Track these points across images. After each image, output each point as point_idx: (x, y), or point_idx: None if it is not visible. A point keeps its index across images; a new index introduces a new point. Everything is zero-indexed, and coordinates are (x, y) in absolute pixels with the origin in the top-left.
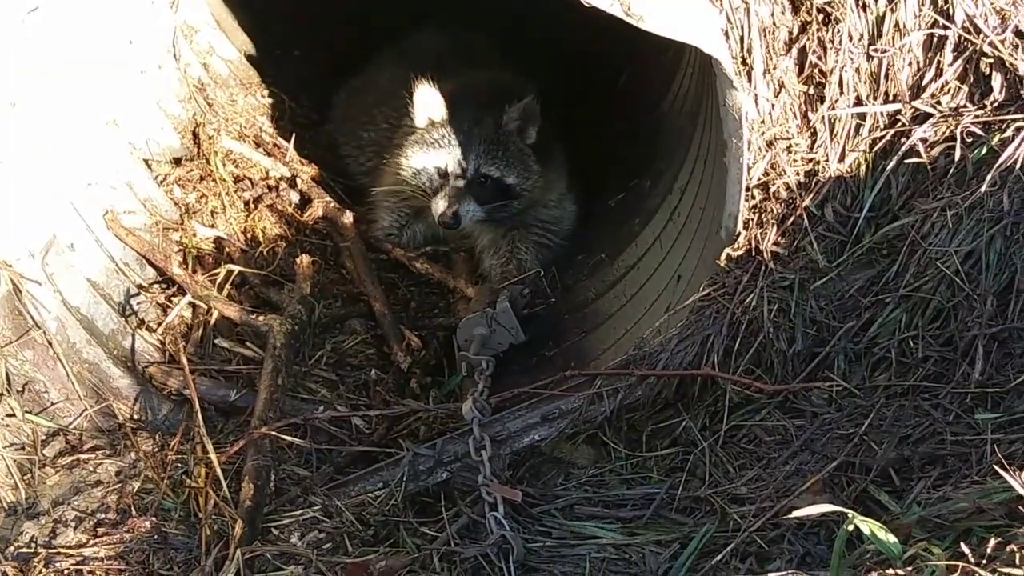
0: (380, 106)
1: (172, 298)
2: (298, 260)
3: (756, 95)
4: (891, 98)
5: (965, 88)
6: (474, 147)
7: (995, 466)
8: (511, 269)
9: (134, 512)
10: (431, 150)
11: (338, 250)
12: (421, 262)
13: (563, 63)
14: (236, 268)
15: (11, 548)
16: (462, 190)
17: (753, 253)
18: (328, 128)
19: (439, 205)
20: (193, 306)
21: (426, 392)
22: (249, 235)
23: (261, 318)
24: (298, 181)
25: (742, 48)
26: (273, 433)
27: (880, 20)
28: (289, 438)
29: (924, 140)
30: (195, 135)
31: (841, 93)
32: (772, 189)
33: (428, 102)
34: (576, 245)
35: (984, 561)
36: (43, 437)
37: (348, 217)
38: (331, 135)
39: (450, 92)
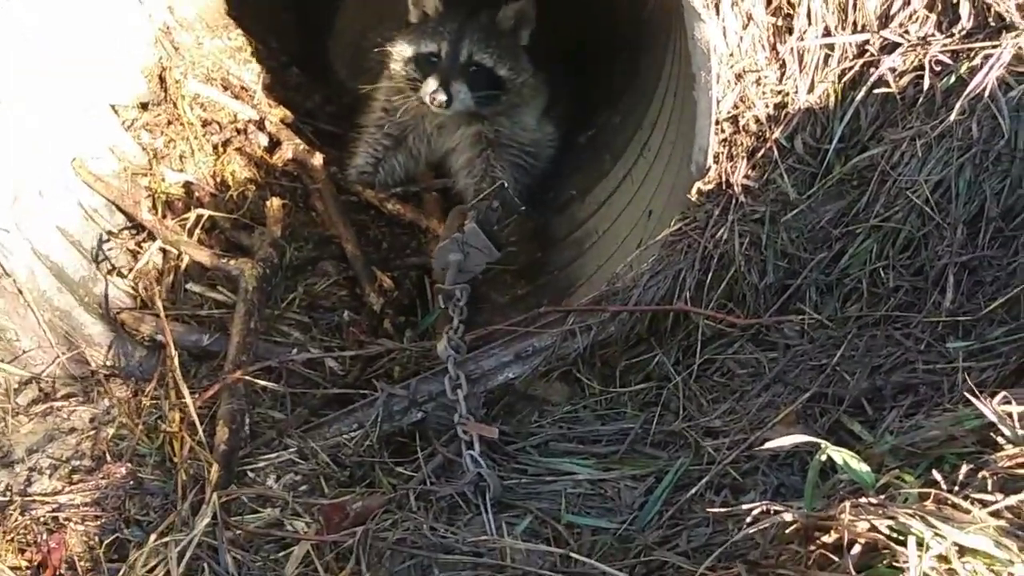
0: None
1: (143, 244)
2: (268, 203)
3: (724, 27)
4: (859, 28)
5: (933, 17)
6: (468, 35)
7: (966, 393)
8: (484, 188)
9: (109, 458)
10: (423, 39)
11: (308, 192)
12: (392, 203)
13: None
14: (206, 212)
15: None
16: (454, 72)
17: (724, 187)
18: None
19: (429, 84)
20: (164, 251)
21: (400, 332)
22: (218, 179)
23: (232, 262)
24: (267, 123)
25: None
26: (247, 377)
27: None
28: (263, 382)
29: (893, 70)
30: (162, 79)
31: (809, 24)
32: (742, 122)
33: None
34: (547, 182)
35: (956, 488)
36: (15, 386)
37: (318, 159)
38: (327, 53)
39: None
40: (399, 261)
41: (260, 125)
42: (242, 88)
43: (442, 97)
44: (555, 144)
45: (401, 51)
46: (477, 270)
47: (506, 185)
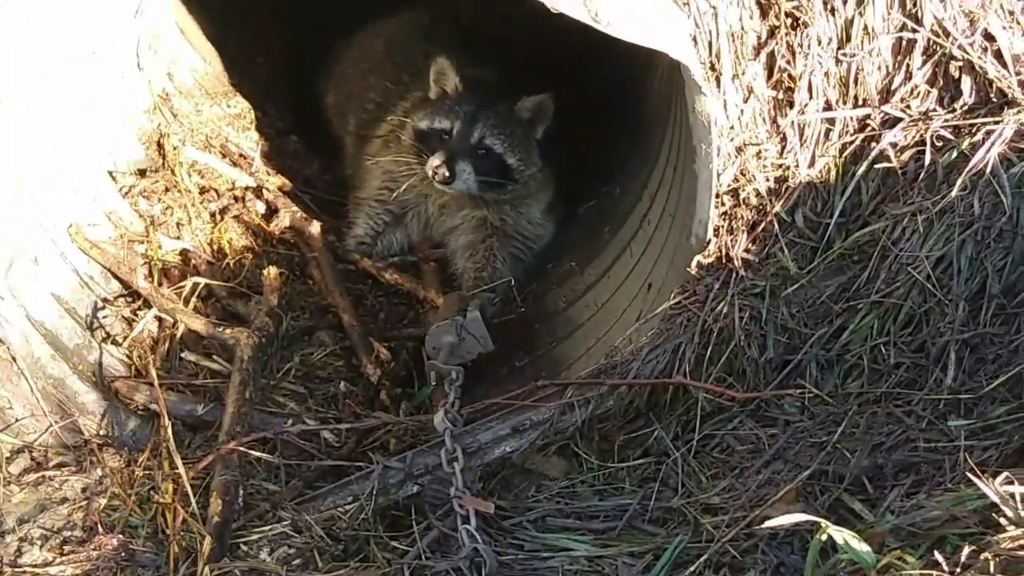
0: (373, 73)
1: (138, 312)
2: (265, 272)
3: (725, 100)
4: (861, 102)
5: (935, 92)
6: (482, 117)
7: (968, 473)
8: (484, 276)
9: (101, 529)
10: (438, 115)
11: (305, 261)
12: (390, 272)
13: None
14: (202, 280)
15: None
16: (463, 151)
17: (724, 260)
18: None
19: (435, 159)
20: (159, 320)
21: (396, 404)
22: (215, 247)
23: (228, 331)
24: (264, 191)
25: (710, 53)
26: (241, 448)
27: (848, 24)
28: (257, 453)
29: (894, 144)
30: (160, 146)
31: (811, 98)
32: (742, 195)
33: (444, 75)
34: (546, 254)
35: (958, 569)
36: (7, 454)
37: (315, 227)
38: (321, 96)
39: (467, 72)
40: (396, 331)
41: (258, 193)
42: (240, 155)
43: (445, 172)
44: (552, 237)
45: (414, 123)
46: (468, 358)
47: (512, 283)
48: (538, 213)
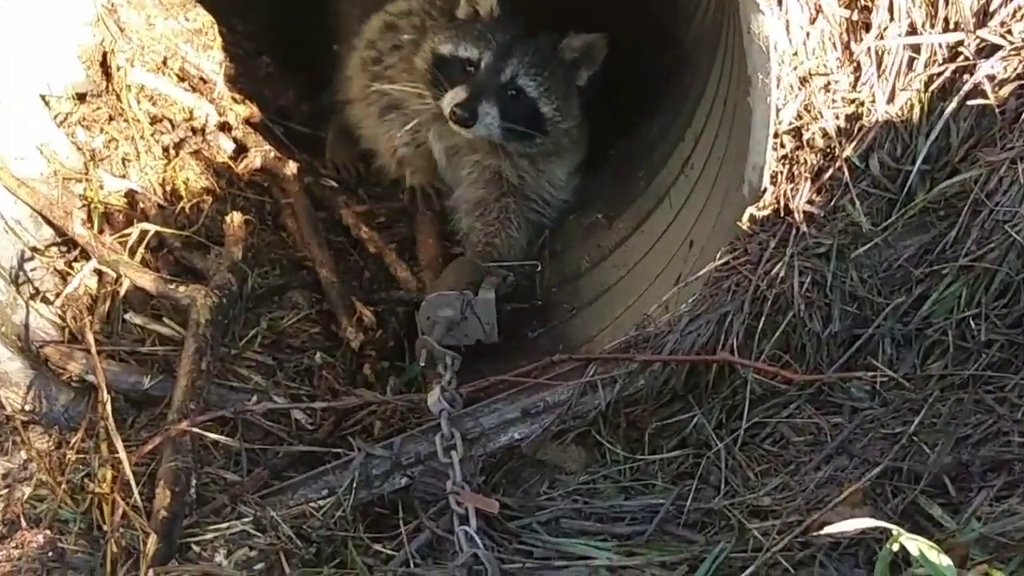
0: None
1: (73, 264)
2: (228, 219)
3: (787, 21)
4: (952, 26)
5: None
6: (518, 52)
7: None
8: (497, 244)
9: (24, 523)
10: (465, 41)
11: (279, 208)
12: (366, 228)
13: None
14: (152, 227)
15: None
16: (490, 89)
17: (782, 213)
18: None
19: (456, 95)
20: (99, 273)
21: (382, 381)
22: (168, 188)
23: (182, 289)
24: (230, 123)
25: None
26: (195, 429)
27: None
28: (215, 436)
29: (991, 78)
30: (103, 66)
31: (891, 19)
32: (806, 136)
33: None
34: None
35: None
36: None
37: (291, 167)
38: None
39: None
40: (384, 294)
41: (222, 125)
42: (201, 79)
43: (464, 114)
44: (576, 186)
45: (434, 46)
46: (465, 342)
47: (539, 268)
48: (563, 174)
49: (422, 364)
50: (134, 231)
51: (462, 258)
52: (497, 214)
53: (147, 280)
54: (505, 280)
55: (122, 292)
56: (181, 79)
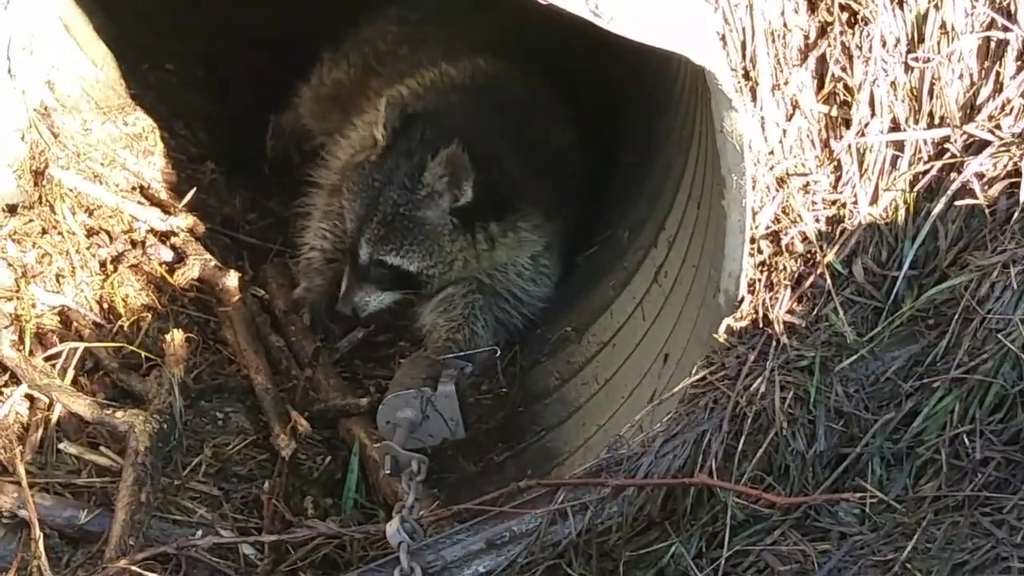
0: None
1: (3, 389)
2: (168, 337)
3: (763, 118)
4: (937, 121)
5: None
6: (370, 226)
7: None
8: (458, 339)
9: None
10: (354, 191)
11: (220, 323)
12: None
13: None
14: (81, 346)
15: None
16: (359, 274)
17: (761, 324)
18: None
19: (342, 286)
20: (30, 399)
21: (326, 517)
22: (106, 305)
23: (119, 414)
24: (171, 234)
25: (744, 57)
26: (135, 567)
27: (921, 20)
28: (154, 575)
29: (980, 176)
30: (36, 175)
31: (872, 115)
32: (784, 241)
33: (384, 122)
34: (536, 315)
35: None
36: None
37: (232, 279)
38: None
39: (407, 117)
40: (322, 405)
41: (163, 237)
42: (140, 187)
43: (346, 310)
44: (555, 281)
45: (345, 201)
46: (430, 442)
47: (497, 353)
48: (525, 258)
49: (387, 472)
50: (66, 350)
51: (415, 354)
52: (462, 310)
53: (82, 405)
54: (464, 372)
55: (55, 419)
56: (119, 188)
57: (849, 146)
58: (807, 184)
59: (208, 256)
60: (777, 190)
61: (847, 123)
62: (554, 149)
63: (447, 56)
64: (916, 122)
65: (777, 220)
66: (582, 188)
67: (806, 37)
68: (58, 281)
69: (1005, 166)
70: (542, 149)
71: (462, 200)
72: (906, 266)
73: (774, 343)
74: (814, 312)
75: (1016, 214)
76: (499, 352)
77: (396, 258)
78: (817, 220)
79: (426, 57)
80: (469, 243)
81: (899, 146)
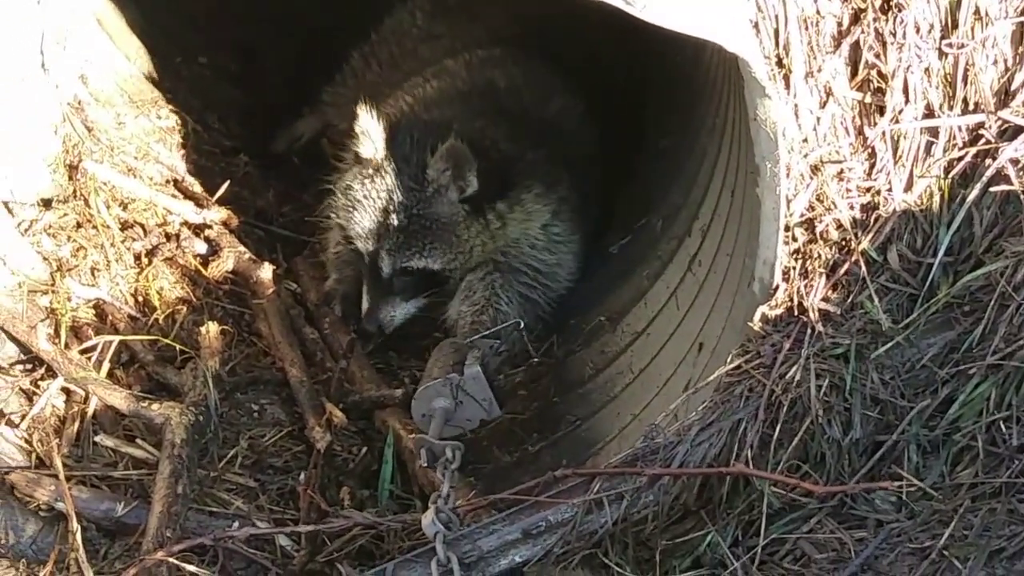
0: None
1: (40, 382)
2: (203, 330)
3: (796, 105)
4: (972, 107)
5: None
6: (388, 236)
7: None
8: (485, 320)
9: None
10: (353, 214)
11: (254, 315)
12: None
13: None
14: (115, 339)
15: None
16: (382, 289)
17: (796, 312)
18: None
19: (364, 303)
20: (67, 392)
21: (362, 508)
22: (141, 298)
23: (155, 407)
24: (205, 227)
25: (777, 45)
26: (172, 559)
27: (955, 6)
28: (192, 567)
29: (1015, 162)
30: (71, 169)
31: (907, 101)
32: (819, 228)
33: (370, 135)
34: (568, 305)
35: None
36: None
37: (266, 271)
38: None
39: (396, 116)
40: (357, 396)
41: (197, 229)
42: (174, 181)
43: (371, 329)
44: (576, 263)
45: (342, 217)
46: (468, 426)
47: (522, 324)
48: (536, 229)
49: (423, 463)
50: (102, 344)
51: (441, 343)
52: (483, 292)
53: (118, 398)
54: (493, 349)
55: (91, 412)
56: (153, 181)
57: (883, 133)
58: (841, 171)
59: (242, 249)
60: (811, 178)
61: (881, 110)
62: (550, 120)
63: (451, 51)
64: (950, 108)
65: (811, 208)
66: (591, 157)
67: (839, 24)
68: (93, 274)
69: None
70: (536, 122)
71: (469, 190)
72: (941, 253)
73: (809, 331)
74: (849, 299)
75: None
76: (523, 324)
77: (420, 261)
78: (852, 207)
79: (437, 55)
80: (483, 226)
81: (933, 132)
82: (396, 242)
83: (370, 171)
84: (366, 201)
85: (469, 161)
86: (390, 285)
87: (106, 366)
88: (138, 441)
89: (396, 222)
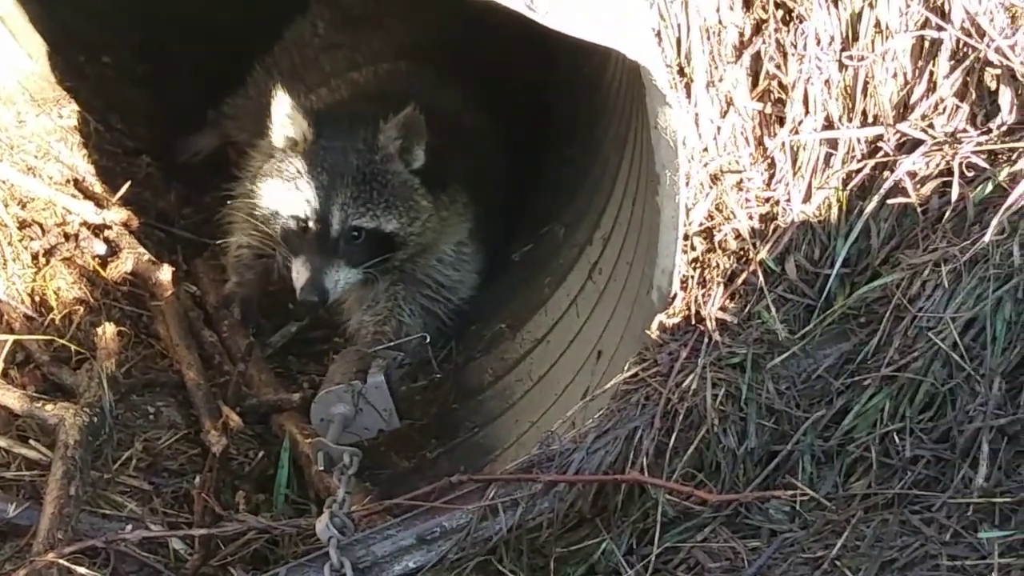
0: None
1: None
2: (100, 330)
3: (697, 114)
4: (870, 120)
5: (965, 107)
6: (339, 191)
7: None
8: (387, 331)
9: None
10: (287, 188)
11: (152, 317)
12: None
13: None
14: (11, 338)
15: None
16: (326, 253)
17: (693, 321)
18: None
19: (299, 274)
20: None
21: (257, 513)
22: (37, 298)
23: (49, 407)
24: (106, 226)
25: (679, 54)
26: (62, 561)
27: (856, 19)
28: (83, 569)
29: (912, 174)
30: None
31: (807, 113)
32: (718, 237)
33: (288, 117)
34: (469, 312)
35: None
36: None
37: (166, 273)
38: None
39: (318, 106)
40: (255, 400)
41: (97, 230)
42: (75, 180)
43: (312, 298)
44: (478, 278)
45: (267, 200)
46: (366, 435)
47: (427, 339)
48: (449, 247)
49: (320, 468)
50: None
51: (345, 350)
52: (386, 302)
53: (12, 398)
54: (396, 360)
55: None
56: (53, 180)
57: (783, 144)
58: (741, 181)
59: (142, 250)
60: (711, 187)
61: (781, 121)
62: (464, 136)
63: (354, 65)
64: (850, 120)
65: (711, 217)
66: (504, 172)
67: (741, 34)
68: None
69: (937, 165)
70: (454, 135)
71: (416, 164)
72: (838, 264)
73: (706, 340)
74: (746, 309)
75: (948, 213)
76: (428, 339)
77: (373, 220)
78: (750, 217)
79: (340, 66)
80: (434, 206)
81: (833, 144)
82: (349, 196)
83: (301, 148)
84: (306, 167)
85: (422, 133)
86: (335, 248)
87: (0, 366)
88: (31, 442)
89: (350, 178)
